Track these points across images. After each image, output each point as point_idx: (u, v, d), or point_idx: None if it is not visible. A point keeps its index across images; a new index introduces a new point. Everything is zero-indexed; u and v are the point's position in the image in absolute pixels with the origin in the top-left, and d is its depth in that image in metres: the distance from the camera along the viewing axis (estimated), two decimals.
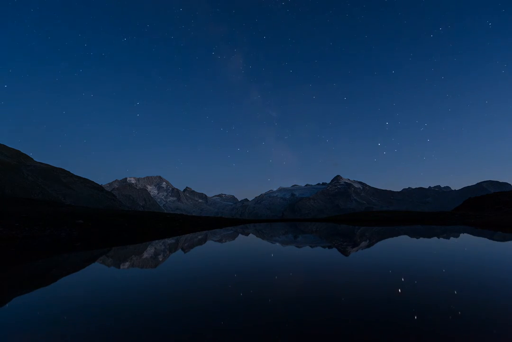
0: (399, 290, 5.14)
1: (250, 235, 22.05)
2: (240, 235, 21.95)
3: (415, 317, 3.83)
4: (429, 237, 17.98)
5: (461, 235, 19.14)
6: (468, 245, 12.99)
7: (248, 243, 15.65)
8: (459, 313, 3.96)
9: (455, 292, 4.96)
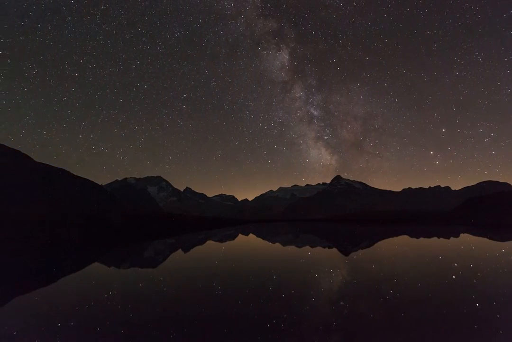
0: (401, 290, 5.15)
1: (251, 235, 22.03)
2: (240, 235, 21.93)
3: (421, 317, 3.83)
4: (429, 237, 17.96)
5: (461, 235, 19.12)
6: (468, 246, 12.97)
7: (249, 243, 15.62)
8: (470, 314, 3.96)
9: (458, 294, 4.96)
